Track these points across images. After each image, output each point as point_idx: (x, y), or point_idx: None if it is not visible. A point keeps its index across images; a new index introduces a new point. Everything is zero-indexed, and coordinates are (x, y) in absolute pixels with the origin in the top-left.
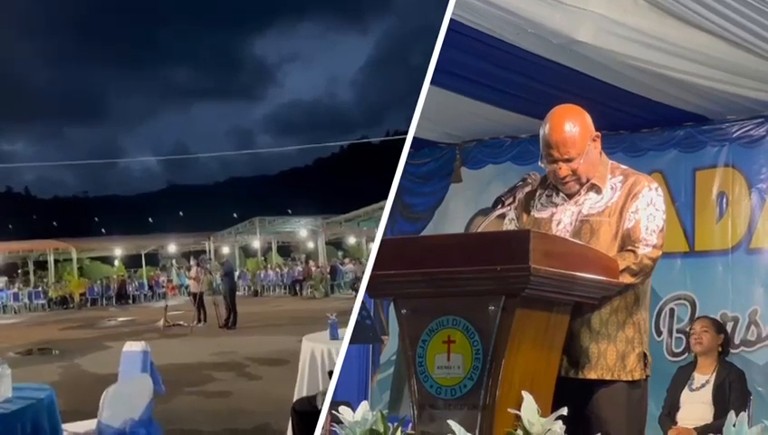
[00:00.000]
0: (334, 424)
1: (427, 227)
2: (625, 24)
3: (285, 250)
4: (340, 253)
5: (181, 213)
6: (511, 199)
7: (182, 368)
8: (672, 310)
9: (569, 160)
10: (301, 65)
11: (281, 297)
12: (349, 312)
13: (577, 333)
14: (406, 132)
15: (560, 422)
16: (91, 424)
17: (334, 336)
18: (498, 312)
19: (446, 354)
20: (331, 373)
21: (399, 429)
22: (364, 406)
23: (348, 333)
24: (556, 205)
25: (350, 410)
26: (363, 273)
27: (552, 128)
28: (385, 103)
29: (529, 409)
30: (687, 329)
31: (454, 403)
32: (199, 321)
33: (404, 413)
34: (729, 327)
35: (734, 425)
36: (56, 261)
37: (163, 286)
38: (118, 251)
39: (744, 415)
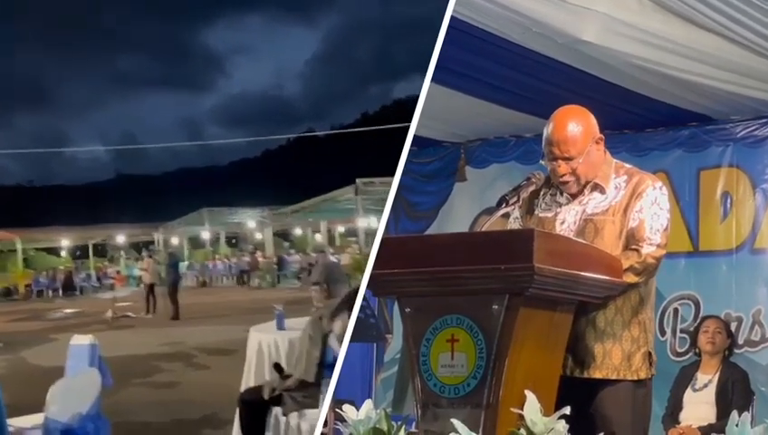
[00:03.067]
0: (338, 422)
1: (432, 225)
2: (630, 24)
3: (233, 241)
4: (286, 244)
5: (130, 203)
6: (515, 199)
7: (130, 359)
8: (676, 310)
9: (568, 159)
10: (249, 57)
11: (229, 287)
12: (295, 302)
13: (582, 333)
14: (352, 126)
15: (563, 421)
16: (37, 419)
17: (281, 327)
18: (502, 311)
19: (450, 353)
20: (277, 365)
21: (403, 427)
22: (368, 404)
23: (348, 333)
24: (560, 204)
25: (353, 408)
26: (309, 263)
27: (555, 126)
28: (331, 97)
29: (532, 408)
30: (692, 328)
31: (457, 402)
32: (148, 312)
33: (408, 412)
34: (733, 327)
35: (736, 425)
36: (0, 251)
37: (111, 277)
38: (64, 241)
39: (746, 415)
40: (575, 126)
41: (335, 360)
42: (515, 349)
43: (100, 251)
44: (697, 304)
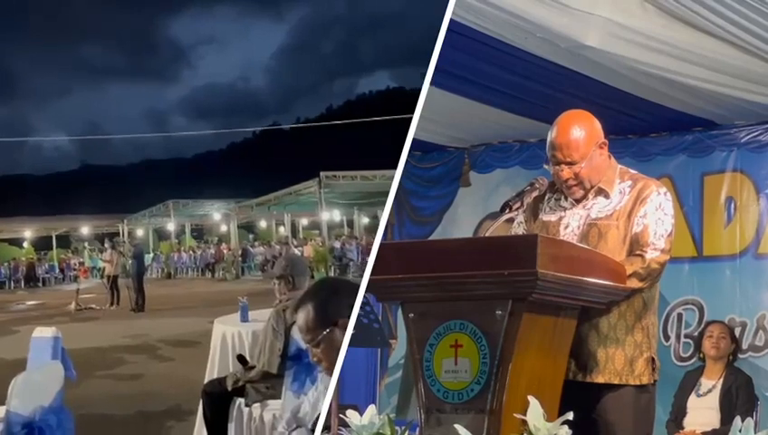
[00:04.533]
0: (342, 428)
1: (436, 230)
2: (633, 29)
3: (199, 233)
4: (251, 236)
5: (94, 194)
6: (519, 204)
7: (94, 351)
8: (680, 315)
9: (571, 164)
10: (215, 49)
11: (193, 279)
12: (258, 294)
13: (585, 337)
14: (317, 120)
15: (566, 427)
16: None
17: (245, 319)
18: (505, 316)
19: (454, 358)
20: (240, 357)
21: (407, 432)
22: (371, 410)
23: (347, 337)
24: (564, 208)
25: (357, 413)
26: (273, 256)
27: (558, 131)
28: (296, 90)
29: (535, 413)
30: (696, 333)
31: (461, 407)
32: (112, 304)
33: (411, 417)
34: (737, 332)
35: (740, 430)
36: None
37: (74, 269)
38: (27, 232)
39: (750, 420)
40: (578, 130)
41: (298, 351)
42: (519, 354)
43: (64, 242)
44: (701, 310)
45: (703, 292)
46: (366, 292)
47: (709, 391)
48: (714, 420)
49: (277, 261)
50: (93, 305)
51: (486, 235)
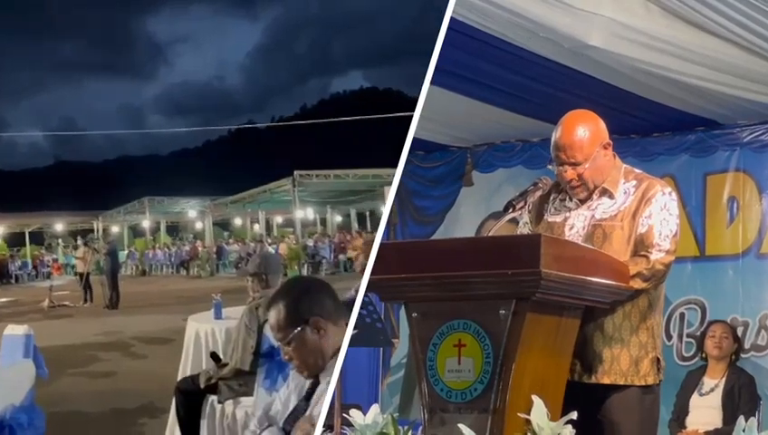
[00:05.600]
0: (345, 427)
1: (438, 230)
2: (636, 29)
3: (174, 230)
4: (226, 233)
5: (69, 191)
6: (522, 203)
7: (66, 349)
8: (682, 314)
9: (575, 164)
10: (191, 47)
11: (168, 276)
12: (233, 291)
13: (590, 338)
14: (291, 119)
15: (569, 426)
16: None
17: (218, 316)
18: (509, 316)
19: (457, 358)
20: (213, 354)
21: (410, 432)
22: (374, 409)
23: (347, 337)
24: (569, 209)
25: (360, 413)
26: (247, 253)
27: (563, 131)
28: (271, 90)
29: (539, 413)
30: (698, 333)
31: (464, 407)
32: (85, 301)
33: (414, 417)
34: (739, 332)
35: (743, 430)
36: None
37: (48, 266)
38: (0, 229)
39: (753, 420)
40: (582, 131)
41: (270, 349)
42: (522, 354)
43: (38, 239)
44: (704, 309)
45: (705, 291)
46: (369, 291)
47: (711, 390)
48: (716, 420)
49: (251, 259)
50: (67, 303)
51: (490, 234)
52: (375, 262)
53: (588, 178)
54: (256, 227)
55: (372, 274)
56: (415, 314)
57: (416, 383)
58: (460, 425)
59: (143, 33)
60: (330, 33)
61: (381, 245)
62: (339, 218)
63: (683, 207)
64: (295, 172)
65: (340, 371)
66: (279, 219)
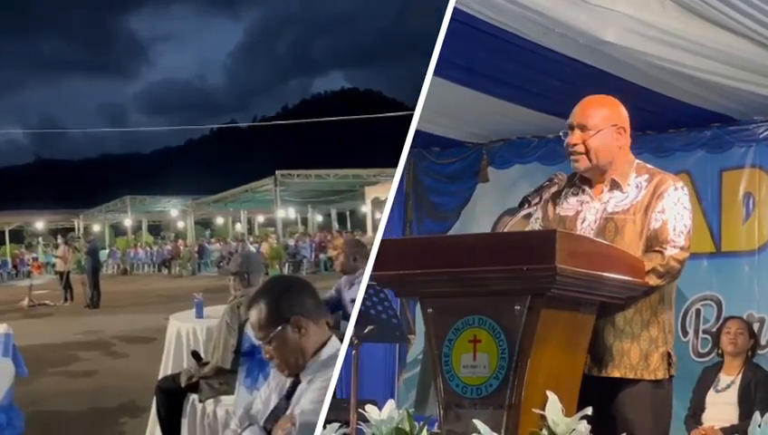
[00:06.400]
0: (360, 422)
1: (454, 226)
2: (651, 25)
3: (156, 229)
4: (207, 232)
5: (50, 189)
6: (537, 199)
7: (46, 348)
8: (698, 310)
9: (582, 128)
10: (173, 46)
11: (150, 275)
12: (214, 290)
13: (601, 331)
14: (273, 119)
15: (584, 422)
16: None
17: (200, 315)
18: (524, 311)
19: (472, 354)
20: (194, 353)
21: (425, 427)
22: (390, 404)
23: (347, 335)
24: (581, 202)
25: (376, 408)
26: (229, 252)
27: (581, 102)
28: (253, 89)
29: (554, 408)
30: (714, 329)
31: (479, 403)
32: (66, 300)
33: (430, 412)
34: (755, 328)
35: (759, 426)
36: None
37: (28, 265)
38: None
39: None
40: (599, 104)
41: (251, 347)
42: (537, 350)
43: (17, 237)
44: (720, 305)
45: (721, 288)
46: (384, 287)
47: (728, 386)
48: (732, 416)
49: (233, 258)
50: (47, 302)
51: (505, 230)
52: (390, 258)
53: (591, 149)
54: (238, 226)
55: (388, 270)
56: (430, 310)
57: (431, 379)
58: (475, 421)
59: (125, 31)
60: (311, 33)
61: (396, 241)
62: (319, 218)
63: (699, 204)
64: (277, 172)
65: (357, 367)
66: (261, 219)
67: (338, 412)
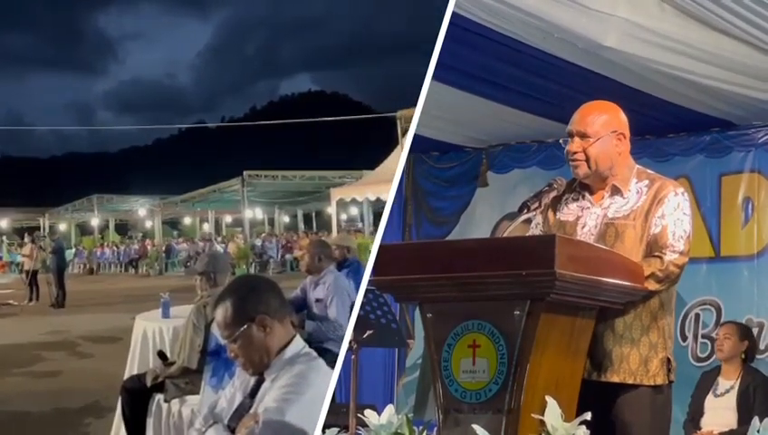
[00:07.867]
0: (360, 428)
1: (453, 231)
2: (651, 30)
3: (123, 228)
4: (175, 232)
5: (14, 187)
6: (537, 204)
7: (11, 348)
8: (697, 315)
9: (582, 136)
10: (142, 44)
11: (116, 275)
12: (181, 290)
13: (600, 336)
14: (241, 120)
15: (583, 427)
16: None
17: (166, 315)
18: (523, 316)
19: (472, 359)
20: (160, 353)
21: (424, 432)
22: (389, 409)
23: (348, 334)
24: (582, 208)
25: (375, 413)
26: (196, 252)
27: (581, 108)
28: (221, 90)
29: (553, 413)
30: (714, 334)
31: (479, 407)
32: (31, 300)
33: (429, 417)
34: (755, 332)
35: (758, 431)
36: None
37: None
38: None
39: None
40: (598, 110)
41: (217, 347)
42: (537, 354)
43: None
44: (719, 310)
45: (720, 292)
46: (384, 292)
47: (727, 391)
48: (731, 421)
49: (200, 257)
50: (11, 301)
51: (504, 235)
52: (390, 263)
53: (591, 157)
54: (205, 226)
55: (387, 275)
56: (429, 315)
57: (430, 384)
58: (474, 426)
59: (92, 28)
60: (280, 35)
61: (395, 245)
62: (286, 219)
63: (698, 208)
64: (244, 172)
65: (356, 371)
66: (228, 219)
67: (337, 417)
